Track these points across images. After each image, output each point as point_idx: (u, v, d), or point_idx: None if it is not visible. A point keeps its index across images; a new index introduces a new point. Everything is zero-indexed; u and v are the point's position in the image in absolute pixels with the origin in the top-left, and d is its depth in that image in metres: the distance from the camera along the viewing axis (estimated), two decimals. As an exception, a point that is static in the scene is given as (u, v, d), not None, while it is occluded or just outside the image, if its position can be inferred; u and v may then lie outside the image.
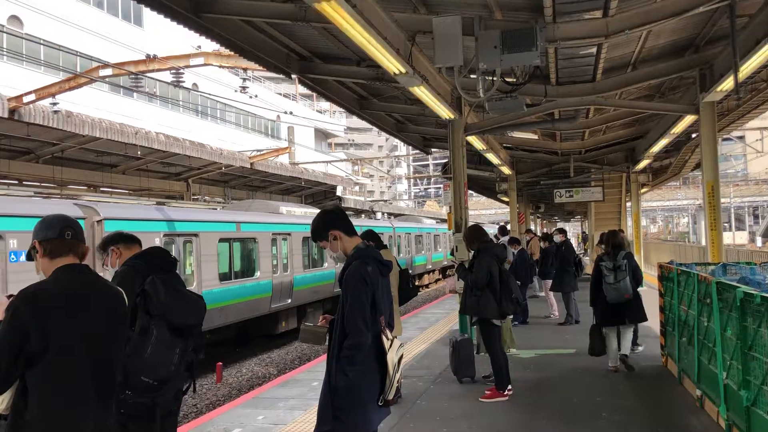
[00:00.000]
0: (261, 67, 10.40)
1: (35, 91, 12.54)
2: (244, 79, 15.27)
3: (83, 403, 2.61)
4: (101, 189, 18.61)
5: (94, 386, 2.65)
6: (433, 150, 19.91)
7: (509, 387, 7.28)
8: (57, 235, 2.81)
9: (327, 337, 3.67)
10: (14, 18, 26.91)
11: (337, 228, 3.69)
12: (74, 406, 2.59)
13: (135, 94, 31.74)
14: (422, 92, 8.31)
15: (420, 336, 12.24)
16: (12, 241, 9.28)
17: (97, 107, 25.11)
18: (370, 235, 7.03)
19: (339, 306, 3.53)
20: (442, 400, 7.28)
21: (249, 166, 21.30)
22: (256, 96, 20.25)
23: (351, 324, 3.40)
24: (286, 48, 9.64)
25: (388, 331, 3.53)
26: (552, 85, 10.48)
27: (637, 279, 8.20)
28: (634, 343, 9.31)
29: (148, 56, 12.75)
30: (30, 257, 2.87)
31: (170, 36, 29.99)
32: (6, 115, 12.30)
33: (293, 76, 10.51)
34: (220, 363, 13.30)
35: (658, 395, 7.18)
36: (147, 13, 35.44)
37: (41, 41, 23.97)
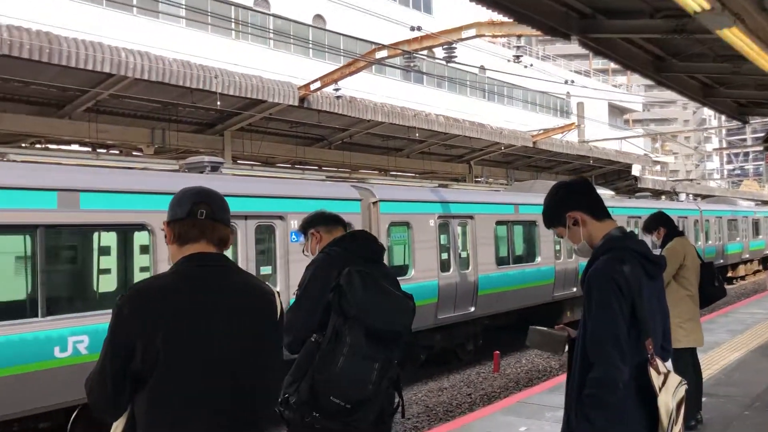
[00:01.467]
0: (537, 32, 9.39)
1: (320, 78, 13.14)
2: (518, 47, 14.31)
3: None
4: (391, 173, 19.31)
5: (221, 418, 1.98)
6: (751, 119, 16.79)
7: None
8: (186, 214, 2.11)
9: (566, 347, 2.64)
10: (318, 17, 29.77)
11: (578, 208, 2.56)
12: None
13: (425, 79, 32.77)
14: (735, 36, 6.47)
15: (731, 342, 10.10)
16: (293, 221, 9.67)
17: (388, 95, 26.34)
18: (661, 219, 5.68)
19: (581, 322, 2.45)
20: (760, 435, 5.60)
21: (531, 145, 20.28)
22: (531, 66, 19.12)
23: (596, 349, 2.31)
24: (564, 5, 8.44)
25: (659, 362, 2.35)
26: None
27: None
28: None
29: (412, 29, 12.48)
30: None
31: (460, 20, 30.38)
32: (297, 104, 13.10)
33: (573, 38, 9.30)
34: (498, 351, 12.74)
35: None
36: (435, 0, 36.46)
37: (341, 35, 25.93)
